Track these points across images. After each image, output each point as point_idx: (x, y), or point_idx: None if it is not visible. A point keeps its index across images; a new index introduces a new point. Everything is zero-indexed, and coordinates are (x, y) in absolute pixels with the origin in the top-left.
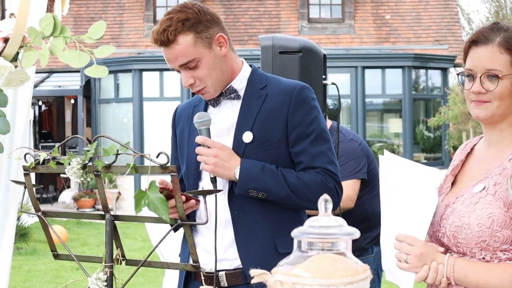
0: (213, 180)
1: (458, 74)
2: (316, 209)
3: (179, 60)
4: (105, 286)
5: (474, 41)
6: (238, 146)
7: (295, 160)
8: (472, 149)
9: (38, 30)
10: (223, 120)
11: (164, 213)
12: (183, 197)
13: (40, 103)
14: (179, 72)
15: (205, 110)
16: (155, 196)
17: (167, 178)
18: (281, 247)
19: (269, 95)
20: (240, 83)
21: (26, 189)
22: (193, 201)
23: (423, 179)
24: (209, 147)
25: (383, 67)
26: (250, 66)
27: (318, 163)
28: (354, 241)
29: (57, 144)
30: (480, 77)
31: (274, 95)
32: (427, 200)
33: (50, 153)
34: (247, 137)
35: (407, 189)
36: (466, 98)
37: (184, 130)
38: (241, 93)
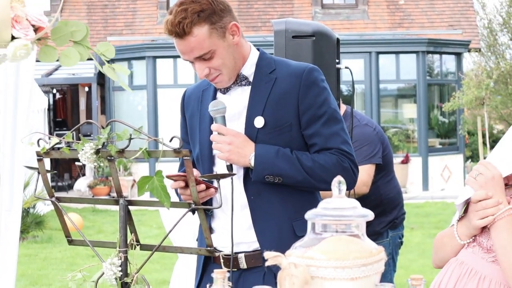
0: (229, 168)
1: None
2: None
3: (195, 52)
4: (120, 271)
5: None
6: (251, 132)
7: (308, 142)
8: None
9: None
10: (234, 105)
11: (166, 200)
12: (203, 185)
13: (55, 91)
14: (192, 63)
15: (215, 94)
16: (160, 183)
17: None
18: (299, 230)
19: (278, 79)
20: (249, 69)
21: (40, 175)
22: (212, 189)
23: None
24: (223, 135)
25: (397, 53)
26: (258, 50)
27: (332, 144)
28: (369, 226)
29: (71, 130)
30: None
31: (283, 79)
32: None
33: (63, 138)
34: (259, 122)
35: None
36: None
37: (194, 114)
38: (251, 78)
